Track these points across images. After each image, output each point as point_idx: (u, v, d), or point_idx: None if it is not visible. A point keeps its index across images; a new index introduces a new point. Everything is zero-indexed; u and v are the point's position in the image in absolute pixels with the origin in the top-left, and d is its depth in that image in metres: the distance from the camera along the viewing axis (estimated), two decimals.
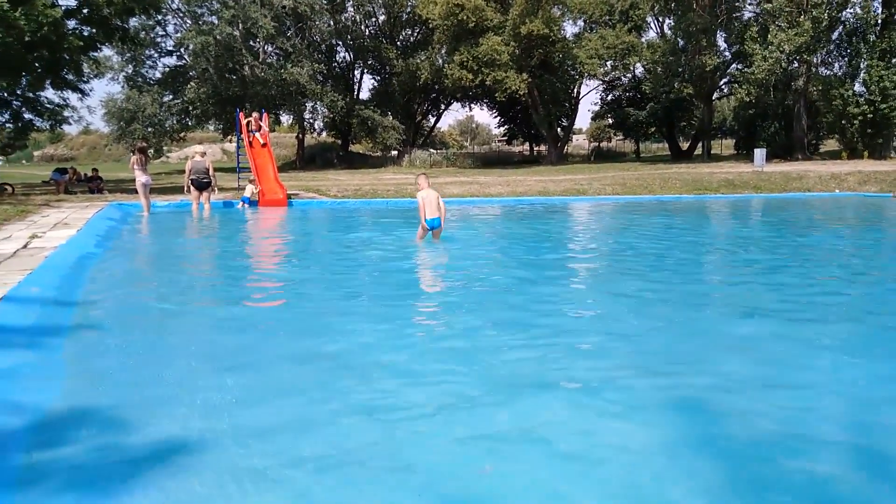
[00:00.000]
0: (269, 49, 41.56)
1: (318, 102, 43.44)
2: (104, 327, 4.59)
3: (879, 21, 33.93)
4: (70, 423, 2.93)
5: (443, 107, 55.58)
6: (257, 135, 18.19)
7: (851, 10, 34.24)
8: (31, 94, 24.19)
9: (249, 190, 16.17)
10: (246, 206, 15.62)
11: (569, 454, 2.69)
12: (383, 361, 3.84)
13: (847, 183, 21.57)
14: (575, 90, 48.94)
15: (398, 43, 48.05)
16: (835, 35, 34.96)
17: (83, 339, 4.29)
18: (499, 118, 59.23)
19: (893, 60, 32.10)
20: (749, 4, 40.62)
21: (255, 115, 18.62)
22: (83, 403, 3.15)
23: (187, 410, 3.08)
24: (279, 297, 5.88)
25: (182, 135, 45.07)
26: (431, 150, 49.16)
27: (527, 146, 63.07)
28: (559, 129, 51.00)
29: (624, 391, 3.36)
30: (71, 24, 19.65)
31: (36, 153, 71.60)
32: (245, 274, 7.29)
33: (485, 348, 4.17)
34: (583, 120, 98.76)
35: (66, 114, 25.78)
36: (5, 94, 23.05)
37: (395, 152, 45.68)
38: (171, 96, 42.41)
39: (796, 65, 34.54)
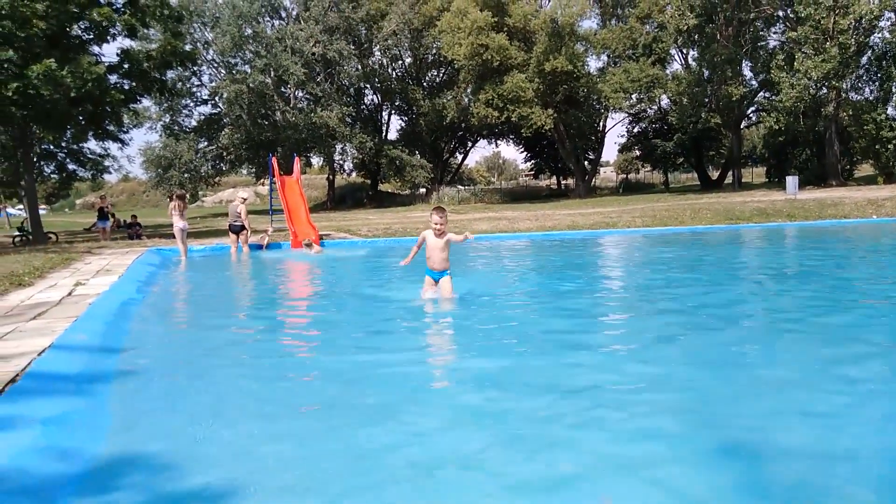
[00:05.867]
0: (300, 94, 42.82)
1: (347, 144, 44.41)
2: (148, 373, 4.71)
3: None
4: (117, 470, 3.01)
5: (469, 144, 56.31)
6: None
7: (879, 35, 34.03)
8: (74, 146, 25.28)
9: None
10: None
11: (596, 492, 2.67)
12: (425, 406, 3.87)
13: (885, 208, 21.08)
14: (601, 123, 49.17)
15: (424, 84, 49.07)
16: (864, 60, 34.69)
17: (128, 385, 4.40)
18: (525, 153, 59.69)
19: None
20: (774, 33, 40.66)
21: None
22: (129, 450, 3.23)
23: (231, 456, 3.14)
24: (317, 340, 5.96)
25: (217, 179, 46.38)
26: (459, 187, 49.61)
27: (554, 180, 63.23)
28: (586, 163, 51.11)
29: (654, 425, 3.32)
30: (112, 78, 20.59)
31: (78, 201, 74.17)
32: (283, 317, 7.41)
33: (515, 386, 4.17)
34: (610, 152, 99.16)
35: (106, 163, 26.89)
36: (51, 147, 24.10)
37: (423, 190, 46.26)
38: (206, 143, 43.84)
39: (825, 91, 34.26)
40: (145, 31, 25.12)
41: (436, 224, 7.10)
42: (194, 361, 5.05)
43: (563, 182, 60.24)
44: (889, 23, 34.10)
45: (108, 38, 20.22)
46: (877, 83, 34.92)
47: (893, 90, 33.26)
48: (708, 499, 2.63)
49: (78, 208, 71.42)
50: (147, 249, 14.52)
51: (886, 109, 33.59)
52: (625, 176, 66.14)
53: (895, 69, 32.74)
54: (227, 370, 4.77)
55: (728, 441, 3.19)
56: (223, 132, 42.47)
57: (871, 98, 34.91)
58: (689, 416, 3.54)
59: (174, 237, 14.08)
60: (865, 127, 33.03)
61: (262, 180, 48.35)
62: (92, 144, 26.00)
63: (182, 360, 5.10)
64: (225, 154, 43.44)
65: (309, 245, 15.58)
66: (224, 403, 3.96)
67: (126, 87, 21.11)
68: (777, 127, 37.46)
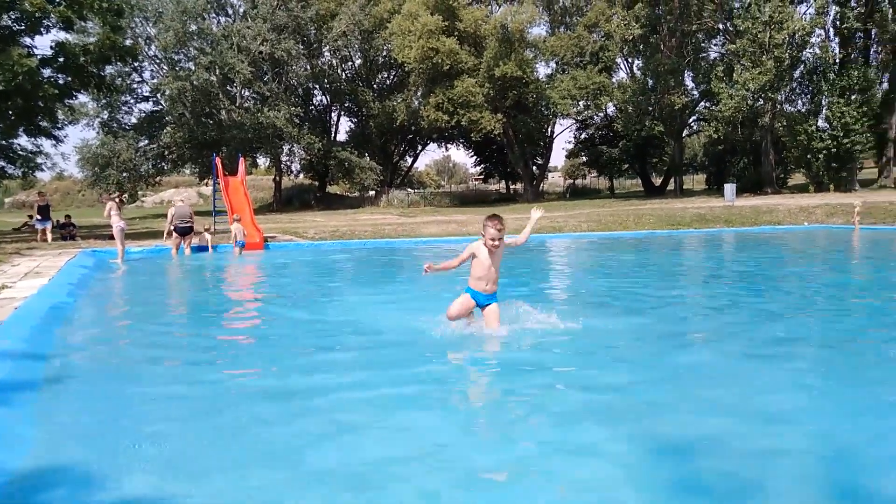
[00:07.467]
0: (246, 93, 41.93)
1: (295, 145, 43.75)
2: (77, 381, 4.48)
3: (837, 60, 35.38)
4: (40, 484, 2.85)
5: (420, 147, 56.28)
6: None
7: (811, 51, 35.76)
8: (3, 142, 24.01)
9: (240, 230, 15.15)
10: (239, 250, 14.84)
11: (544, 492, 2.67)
12: (358, 408, 3.80)
13: (815, 216, 22.11)
14: (549, 129, 49.95)
15: (374, 86, 48.80)
16: (797, 73, 36.35)
17: (55, 393, 4.19)
18: (475, 157, 60.07)
19: (853, 97, 33.36)
20: (714, 45, 42.19)
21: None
22: (54, 461, 3.07)
23: (160, 465, 3.01)
24: (255, 347, 5.79)
25: (158, 179, 44.90)
26: (409, 190, 49.55)
27: (503, 184, 63.83)
28: (535, 168, 51.84)
29: (599, 430, 3.36)
30: (46, 72, 19.68)
31: (7, 200, 70.61)
32: (219, 322, 7.19)
33: (460, 390, 4.16)
34: (557, 158, 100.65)
35: (39, 160, 25.62)
36: None
37: (372, 193, 45.96)
38: (146, 141, 42.38)
39: (762, 102, 35.73)
40: (82, 24, 24.12)
41: (492, 239, 5.26)
42: (126, 369, 4.84)
43: (511, 186, 60.89)
44: (819, 39, 35.86)
45: (42, 30, 19.30)
46: (808, 96, 36.64)
47: (823, 103, 34.93)
48: (648, 497, 2.66)
49: (7, 207, 67.93)
50: (81, 251, 13.91)
51: (817, 121, 35.26)
52: (572, 181, 67.31)
53: (825, 83, 34.41)
54: (160, 378, 4.59)
55: (663, 439, 3.24)
56: (165, 130, 41.17)
57: (803, 110, 36.58)
58: (626, 416, 3.59)
59: (113, 238, 13.55)
60: (798, 137, 34.58)
61: (205, 181, 47.09)
62: (23, 140, 24.77)
63: (113, 368, 4.88)
64: (167, 153, 42.11)
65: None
66: (155, 412, 3.80)
67: (61, 81, 20.21)
68: (716, 136, 38.90)
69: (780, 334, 5.68)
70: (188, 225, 14.41)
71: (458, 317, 5.48)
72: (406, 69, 41.69)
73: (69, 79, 20.48)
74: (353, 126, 52.11)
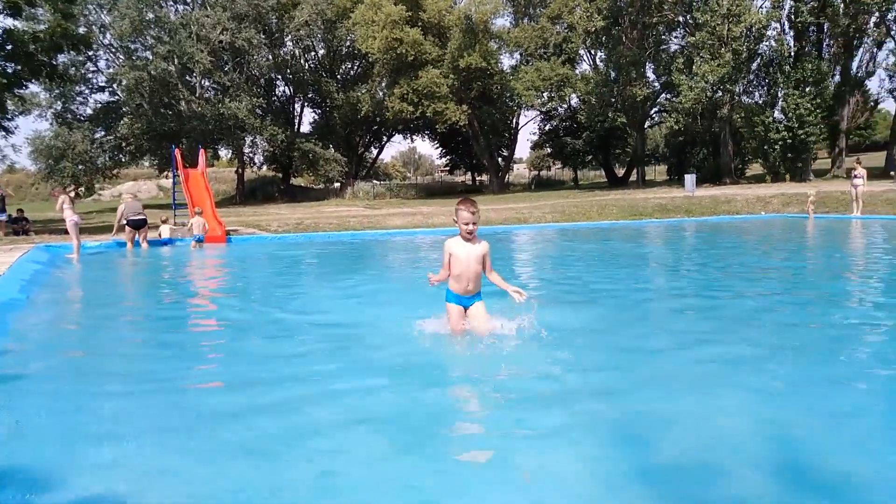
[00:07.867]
0: (206, 84, 41.03)
1: (257, 136, 43.01)
2: (28, 379, 4.35)
3: (792, 53, 36.30)
4: None
5: (385, 138, 55.92)
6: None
7: (767, 44, 36.59)
8: None
9: (200, 224, 15.12)
10: (197, 244, 14.73)
11: (500, 479, 2.70)
12: (321, 408, 3.77)
13: (772, 205, 22.70)
14: (514, 121, 50.12)
15: (338, 76, 48.25)
16: (754, 66, 37.17)
17: (4, 392, 4.05)
18: (441, 149, 59.99)
19: (807, 89, 34.25)
20: (675, 38, 42.81)
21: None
22: (4, 461, 2.98)
23: (113, 465, 2.94)
24: (215, 344, 5.68)
25: (115, 172, 43.64)
26: (374, 182, 49.24)
27: (469, 176, 63.93)
28: (500, 159, 52.02)
29: (552, 418, 3.40)
30: None
31: None
32: (176, 319, 7.04)
33: (422, 382, 4.16)
34: (522, 149, 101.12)
35: None
36: None
37: (337, 184, 45.53)
38: (103, 132, 41.15)
39: (720, 94, 36.44)
40: (31, 10, 23.25)
41: (466, 224, 4.71)
42: (80, 367, 4.72)
43: (477, 178, 61.01)
44: (775, 32, 36.76)
45: None
46: (765, 88, 37.51)
47: (779, 95, 35.82)
48: (604, 485, 2.71)
49: None
50: (34, 246, 13.48)
51: (773, 113, 36.15)
52: (537, 173, 67.76)
53: (780, 75, 35.27)
54: (114, 377, 4.47)
55: (625, 429, 3.30)
56: (122, 121, 39.98)
57: (760, 102, 37.45)
58: (589, 406, 3.64)
59: (67, 233, 13.18)
60: (755, 129, 35.40)
61: (165, 173, 46.02)
62: None
63: (66, 367, 4.75)
64: (124, 145, 40.97)
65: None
66: (109, 412, 3.71)
67: (9, 70, 19.47)
68: (677, 127, 39.58)
69: (739, 321, 5.81)
70: (141, 217, 14.11)
71: (460, 326, 4.99)
72: (370, 60, 41.31)
73: (18, 67, 19.76)
74: (316, 117, 51.55)
